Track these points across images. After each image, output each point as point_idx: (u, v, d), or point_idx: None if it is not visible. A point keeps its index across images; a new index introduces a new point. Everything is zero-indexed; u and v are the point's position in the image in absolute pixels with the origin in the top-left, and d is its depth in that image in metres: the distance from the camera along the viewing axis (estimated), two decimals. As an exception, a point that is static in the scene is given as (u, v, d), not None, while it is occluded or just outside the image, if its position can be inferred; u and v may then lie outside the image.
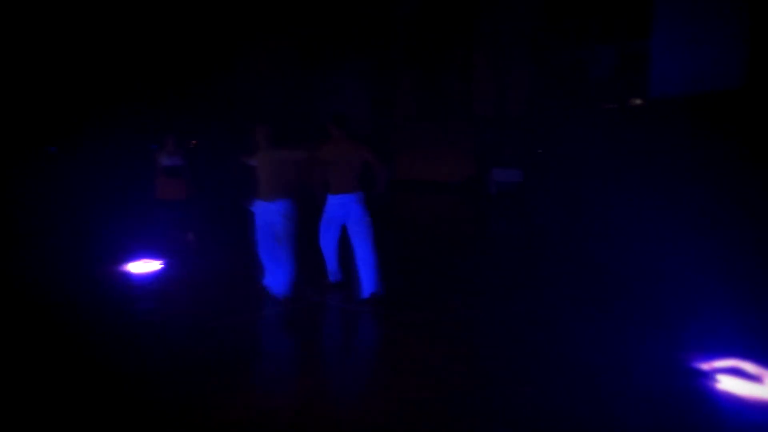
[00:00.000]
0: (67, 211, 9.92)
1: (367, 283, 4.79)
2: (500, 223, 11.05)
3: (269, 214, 4.74)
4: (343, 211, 4.84)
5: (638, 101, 11.88)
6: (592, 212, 10.15)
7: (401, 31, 13.12)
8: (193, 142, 12.40)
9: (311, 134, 6.44)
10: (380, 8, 12.96)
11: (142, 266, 6.22)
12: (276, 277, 4.88)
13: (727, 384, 3.29)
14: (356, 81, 12.94)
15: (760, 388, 3.24)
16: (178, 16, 11.95)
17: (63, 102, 11.53)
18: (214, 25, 12.26)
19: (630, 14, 11.76)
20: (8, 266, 6.46)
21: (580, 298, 5.00)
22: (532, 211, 12.04)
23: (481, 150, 14.08)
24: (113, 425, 2.92)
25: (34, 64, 11.23)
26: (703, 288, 5.08)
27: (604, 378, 3.43)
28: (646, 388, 3.30)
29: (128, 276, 5.93)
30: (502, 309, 4.79)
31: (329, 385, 3.47)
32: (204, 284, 5.69)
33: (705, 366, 3.51)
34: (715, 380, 3.34)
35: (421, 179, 15.04)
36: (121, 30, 11.70)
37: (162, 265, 6.30)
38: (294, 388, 3.41)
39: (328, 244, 5.09)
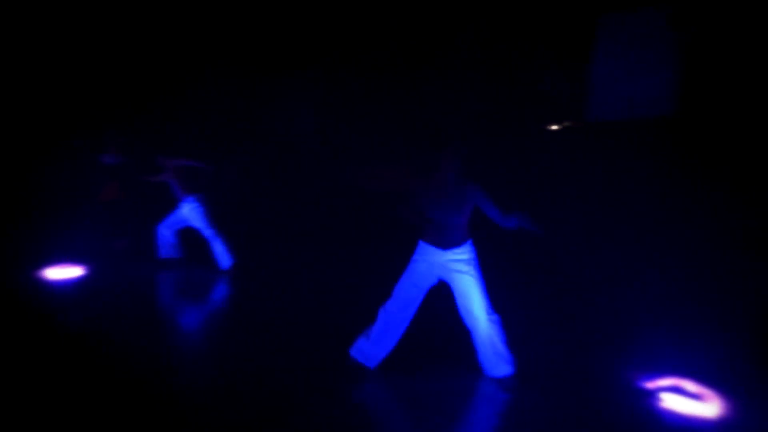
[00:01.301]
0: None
1: None
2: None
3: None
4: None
5: (577, 123, 12.32)
6: (531, 226, 10.32)
7: (353, 42, 13.03)
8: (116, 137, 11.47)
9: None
10: (335, 19, 12.79)
11: (61, 273, 5.71)
12: (382, 346, 3.64)
13: (671, 402, 3.32)
14: (303, 91, 12.68)
15: (700, 405, 3.28)
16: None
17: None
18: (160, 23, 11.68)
19: (575, 42, 12.24)
20: None
21: (516, 312, 4.97)
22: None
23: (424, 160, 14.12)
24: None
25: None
26: (642, 307, 5.19)
27: (548, 395, 3.38)
28: (595, 406, 3.27)
29: (45, 283, 5.41)
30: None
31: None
32: (123, 294, 5.27)
33: (649, 385, 3.52)
34: (659, 399, 3.36)
35: (365, 187, 14.88)
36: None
37: (83, 273, 5.81)
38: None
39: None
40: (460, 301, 3.55)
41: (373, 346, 3.60)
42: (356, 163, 13.71)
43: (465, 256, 3.55)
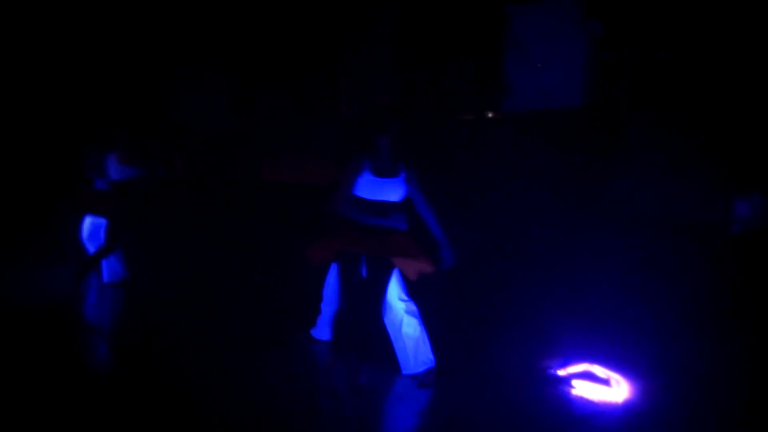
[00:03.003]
0: None
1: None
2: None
3: None
4: None
5: (493, 114, 12.65)
6: (452, 217, 10.51)
7: (261, 33, 12.65)
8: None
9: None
10: (236, 9, 12.32)
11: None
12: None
13: (582, 389, 3.44)
14: (213, 83, 12.17)
15: (608, 390, 3.43)
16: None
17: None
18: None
19: (485, 32, 12.52)
20: None
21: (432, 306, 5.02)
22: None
23: (347, 154, 14.01)
24: None
25: None
26: (556, 294, 5.37)
27: (463, 388, 3.43)
28: (510, 397, 3.34)
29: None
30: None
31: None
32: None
33: (561, 372, 3.64)
34: (571, 386, 3.48)
35: (286, 181, 14.62)
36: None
37: None
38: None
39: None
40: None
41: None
42: (272, 156, 13.43)
43: None
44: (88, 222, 5.29)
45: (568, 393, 3.41)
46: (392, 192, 3.29)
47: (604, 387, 3.45)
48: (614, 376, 3.57)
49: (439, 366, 3.51)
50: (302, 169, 14.24)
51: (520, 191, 10.58)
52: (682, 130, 9.34)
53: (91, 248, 5.27)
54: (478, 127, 12.58)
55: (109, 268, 5.24)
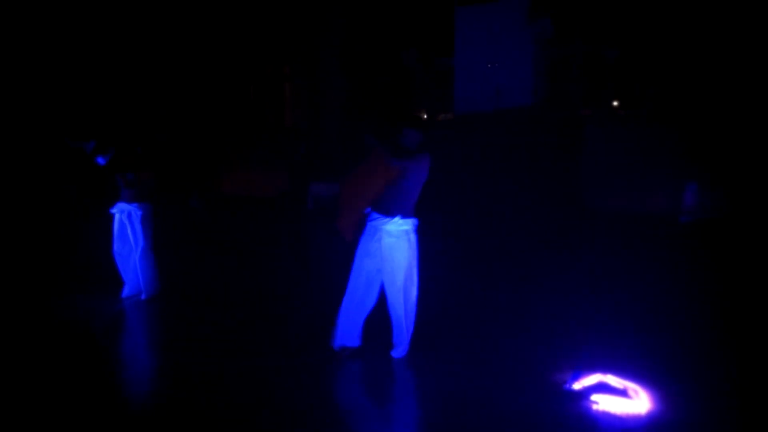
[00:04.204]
0: None
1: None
2: (319, 238, 10.66)
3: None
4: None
5: (446, 115, 12.64)
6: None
7: (206, 38, 12.08)
8: None
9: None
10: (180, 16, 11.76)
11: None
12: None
13: (604, 403, 3.34)
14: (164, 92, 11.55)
15: (630, 402, 3.35)
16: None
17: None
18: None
19: (437, 37, 12.51)
20: None
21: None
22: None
23: (296, 163, 13.65)
24: None
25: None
26: (536, 294, 5.30)
27: (484, 409, 3.25)
28: (534, 418, 3.20)
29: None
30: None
31: None
32: None
33: (576, 386, 3.53)
34: (591, 401, 3.37)
35: (235, 194, 14.09)
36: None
37: None
38: None
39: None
40: None
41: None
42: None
43: None
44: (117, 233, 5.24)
45: (591, 409, 3.30)
46: None
47: (625, 399, 3.37)
48: (630, 386, 3.50)
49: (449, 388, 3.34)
50: (250, 180, 13.75)
51: (476, 191, 10.58)
52: (634, 125, 9.61)
53: (121, 260, 5.29)
54: (430, 129, 12.51)
55: (146, 283, 5.29)
